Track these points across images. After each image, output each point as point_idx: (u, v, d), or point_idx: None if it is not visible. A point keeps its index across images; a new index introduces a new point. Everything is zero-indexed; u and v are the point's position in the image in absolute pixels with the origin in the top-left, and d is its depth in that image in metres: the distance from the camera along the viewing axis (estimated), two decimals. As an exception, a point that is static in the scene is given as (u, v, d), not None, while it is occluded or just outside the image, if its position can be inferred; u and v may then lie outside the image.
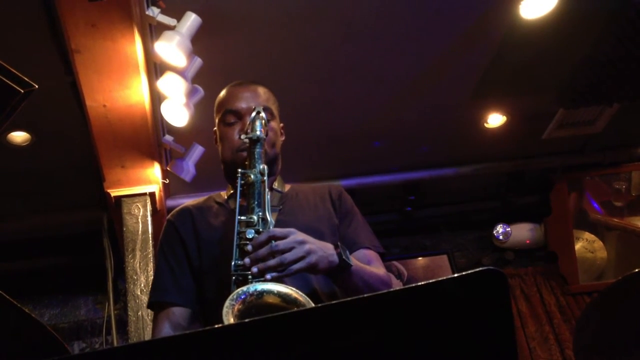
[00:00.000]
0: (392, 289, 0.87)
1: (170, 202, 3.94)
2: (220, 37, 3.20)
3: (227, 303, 1.45)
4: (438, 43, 3.53)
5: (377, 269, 1.87)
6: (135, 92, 2.98)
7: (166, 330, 1.82)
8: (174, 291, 1.87)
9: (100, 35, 2.66)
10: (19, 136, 3.71)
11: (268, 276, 1.54)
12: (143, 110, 3.09)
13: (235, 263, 1.63)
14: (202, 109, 3.20)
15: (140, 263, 3.40)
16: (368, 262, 1.89)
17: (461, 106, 4.16)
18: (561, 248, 5.18)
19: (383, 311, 0.84)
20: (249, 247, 1.60)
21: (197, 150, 3.61)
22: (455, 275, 0.83)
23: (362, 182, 4.67)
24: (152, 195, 3.57)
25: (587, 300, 4.95)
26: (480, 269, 0.82)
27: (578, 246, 5.13)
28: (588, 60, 3.74)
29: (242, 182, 1.77)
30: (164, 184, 3.70)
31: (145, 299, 3.28)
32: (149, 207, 3.55)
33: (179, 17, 2.79)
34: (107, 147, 3.29)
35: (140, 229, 3.49)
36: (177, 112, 3.14)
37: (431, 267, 5.38)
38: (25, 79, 1.33)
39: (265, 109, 1.90)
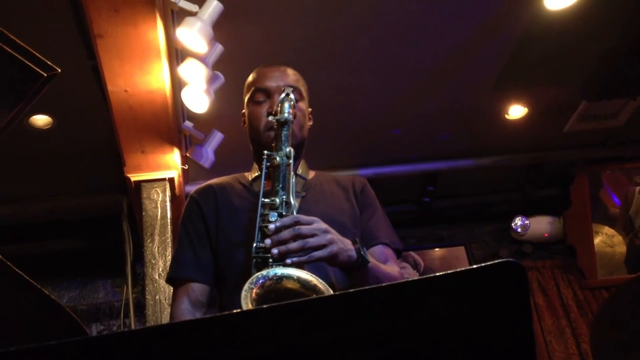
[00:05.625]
0: (410, 279, 0.87)
1: (189, 188, 3.95)
2: (242, 23, 3.20)
3: (246, 287, 1.45)
4: (461, 33, 3.50)
5: (392, 267, 1.87)
6: (156, 78, 2.99)
7: (185, 307, 1.83)
8: (194, 267, 1.88)
9: (123, 20, 2.67)
10: (40, 119, 3.74)
11: (288, 260, 1.54)
12: (164, 96, 3.10)
13: (256, 245, 1.62)
14: (222, 95, 3.20)
15: (158, 247, 3.43)
16: (385, 260, 1.89)
17: (482, 97, 4.13)
18: (580, 242, 5.14)
19: (400, 301, 0.84)
20: (272, 227, 1.59)
21: (217, 137, 3.62)
22: (475, 266, 0.82)
23: (380, 172, 4.66)
24: (171, 180, 3.60)
25: (605, 295, 4.92)
26: (500, 260, 0.81)
27: (597, 240, 5.09)
28: (612, 53, 3.69)
29: (268, 164, 1.77)
30: (183, 169, 3.72)
31: (163, 283, 3.31)
32: (168, 193, 3.57)
33: (200, 3, 2.79)
34: (127, 132, 3.31)
35: (159, 214, 3.51)
36: (198, 98, 3.15)
37: (448, 259, 5.37)
38: (48, 62, 1.34)
39: (294, 89, 1.90)
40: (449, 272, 0.83)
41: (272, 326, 0.81)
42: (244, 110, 2.05)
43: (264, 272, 1.50)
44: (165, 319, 3.20)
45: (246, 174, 2.06)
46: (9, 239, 4.57)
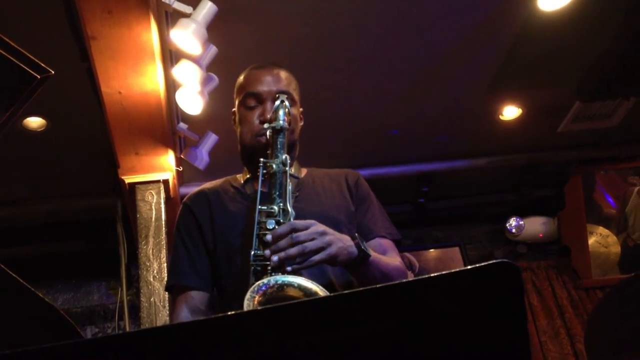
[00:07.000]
0: (405, 280, 0.87)
1: (184, 190, 3.96)
2: (236, 25, 3.19)
3: (248, 295, 1.45)
4: (455, 34, 3.51)
5: (393, 258, 1.87)
6: (150, 80, 2.99)
7: (184, 314, 1.82)
8: (192, 274, 1.88)
9: (116, 22, 2.66)
10: (34, 122, 3.73)
11: (288, 267, 1.54)
12: (158, 97, 3.09)
13: (254, 253, 1.62)
14: (216, 97, 3.20)
15: (153, 250, 3.42)
16: (384, 252, 1.89)
17: (476, 98, 4.13)
18: (574, 242, 5.15)
19: (396, 301, 0.84)
20: (269, 238, 1.59)
21: (211, 139, 3.62)
22: (469, 267, 0.82)
23: (375, 173, 4.65)
24: (165, 182, 3.58)
25: (599, 295, 4.93)
26: (494, 261, 0.81)
27: (591, 241, 5.10)
28: (606, 54, 3.70)
29: (264, 171, 1.76)
30: (177, 171, 3.71)
31: (157, 285, 3.30)
32: (162, 194, 3.56)
33: (195, 4, 2.79)
34: (121, 134, 3.30)
35: (153, 216, 3.50)
36: (192, 100, 3.14)
37: (443, 259, 5.38)
38: (42, 64, 1.34)
39: (287, 95, 1.90)
40: (444, 272, 0.83)
41: (272, 328, 0.81)
42: (234, 109, 2.06)
43: (265, 280, 1.51)
44: (160, 321, 3.20)
45: (238, 176, 2.06)
46: (3, 242, 4.55)
